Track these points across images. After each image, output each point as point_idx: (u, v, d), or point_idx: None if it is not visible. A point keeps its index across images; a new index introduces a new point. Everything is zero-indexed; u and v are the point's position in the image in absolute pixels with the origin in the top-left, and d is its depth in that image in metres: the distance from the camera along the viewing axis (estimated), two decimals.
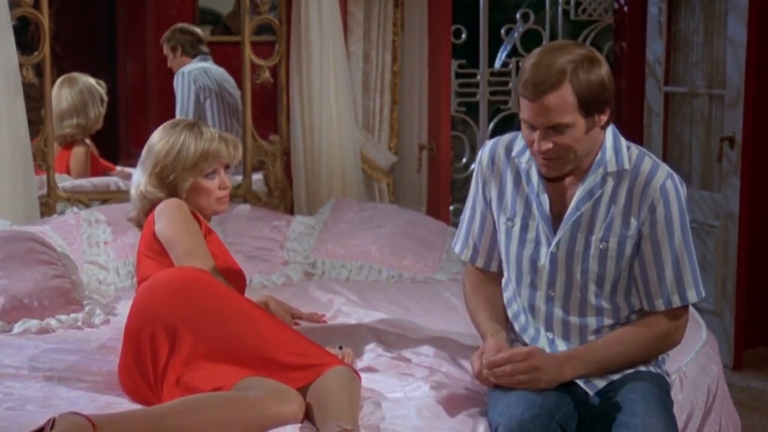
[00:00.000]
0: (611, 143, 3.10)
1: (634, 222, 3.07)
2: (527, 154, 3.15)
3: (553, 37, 6.81)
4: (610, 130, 3.11)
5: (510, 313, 3.29)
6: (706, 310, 5.70)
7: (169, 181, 3.66)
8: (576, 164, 3.06)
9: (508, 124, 6.72)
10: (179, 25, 5.67)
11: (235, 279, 3.65)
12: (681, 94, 6.30)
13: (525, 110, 3.00)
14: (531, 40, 6.64)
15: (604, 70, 2.99)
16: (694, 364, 3.68)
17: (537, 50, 3.04)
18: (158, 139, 3.69)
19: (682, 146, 6.33)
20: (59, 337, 3.95)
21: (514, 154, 3.19)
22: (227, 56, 5.65)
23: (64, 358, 3.63)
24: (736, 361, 5.86)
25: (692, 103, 6.23)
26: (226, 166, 3.76)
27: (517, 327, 3.27)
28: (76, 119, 5.36)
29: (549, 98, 2.94)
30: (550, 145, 2.99)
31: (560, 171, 3.07)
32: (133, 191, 3.75)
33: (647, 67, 6.43)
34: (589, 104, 2.96)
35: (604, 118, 3.02)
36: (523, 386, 3.00)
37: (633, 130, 6.28)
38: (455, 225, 5.88)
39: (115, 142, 5.72)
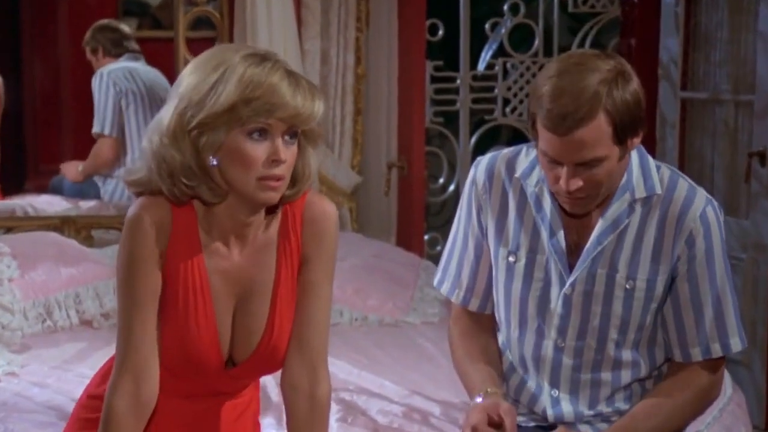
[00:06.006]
0: (638, 163, 3.02)
1: (667, 257, 2.99)
2: (535, 175, 3.04)
3: (547, 33, 6.81)
4: (635, 149, 3.01)
5: (503, 367, 3.19)
6: (732, 360, 5.62)
7: (190, 130, 2.66)
8: (606, 195, 2.98)
9: (493, 137, 6.74)
10: (100, 22, 5.64)
11: (189, 369, 2.83)
12: (701, 101, 6.30)
13: (547, 144, 2.85)
14: (521, 37, 6.69)
15: (636, 83, 2.88)
16: (718, 425, 3.72)
17: (554, 66, 2.88)
18: (197, 60, 2.75)
19: (702, 163, 6.32)
20: None
21: (518, 174, 3.07)
22: (157, 54, 5.69)
23: None
24: None
25: (715, 112, 6.23)
26: (289, 131, 2.69)
27: (511, 383, 3.16)
28: None
29: (581, 132, 2.80)
30: (581, 183, 2.86)
31: (588, 208, 2.98)
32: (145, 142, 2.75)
33: (661, 69, 6.42)
34: (625, 130, 2.85)
35: (637, 140, 2.92)
36: None
37: (644, 144, 6.18)
38: (430, 257, 5.99)
39: (21, 159, 5.73)
